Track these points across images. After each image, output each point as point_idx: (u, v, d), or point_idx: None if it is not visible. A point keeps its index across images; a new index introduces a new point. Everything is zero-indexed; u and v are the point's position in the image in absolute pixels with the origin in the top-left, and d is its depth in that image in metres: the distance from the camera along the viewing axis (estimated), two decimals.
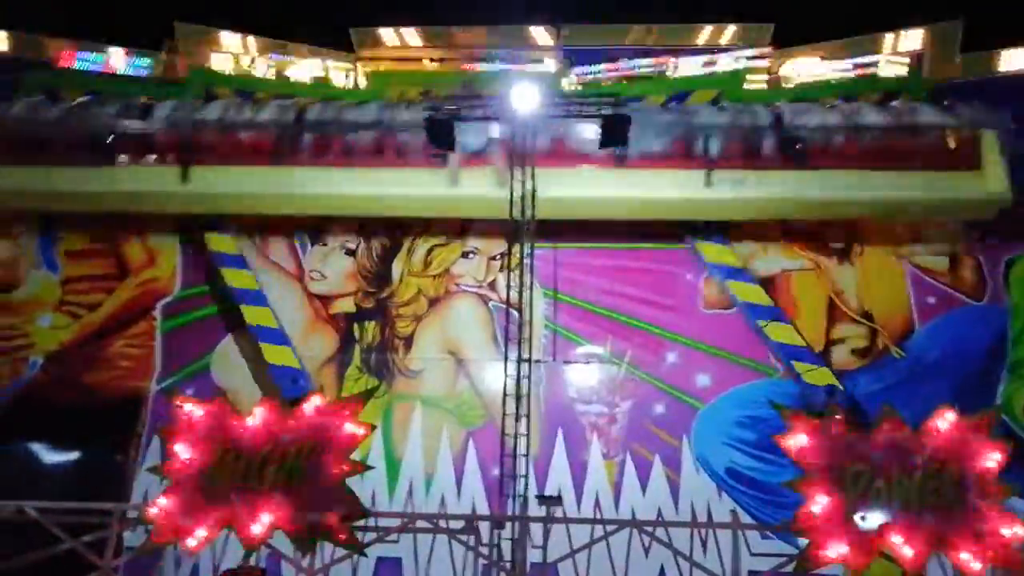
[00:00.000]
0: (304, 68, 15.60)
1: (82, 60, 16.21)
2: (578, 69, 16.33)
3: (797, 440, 7.21)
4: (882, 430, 7.16)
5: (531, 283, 10.97)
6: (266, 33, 16.38)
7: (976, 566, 6.66)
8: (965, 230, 14.13)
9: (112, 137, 13.39)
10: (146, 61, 16.31)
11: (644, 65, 16.43)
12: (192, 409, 7.57)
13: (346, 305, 14.21)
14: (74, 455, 13.33)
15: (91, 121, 13.67)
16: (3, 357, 13.86)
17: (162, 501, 7.23)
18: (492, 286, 13.93)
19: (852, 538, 6.80)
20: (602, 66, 16.61)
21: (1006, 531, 6.72)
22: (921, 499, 6.84)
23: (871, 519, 6.78)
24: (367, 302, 14.20)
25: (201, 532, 7.10)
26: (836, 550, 6.78)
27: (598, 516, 12.12)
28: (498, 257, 11.02)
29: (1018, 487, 6.89)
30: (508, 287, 9.83)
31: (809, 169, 12.66)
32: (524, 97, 9.37)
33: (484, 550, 8.34)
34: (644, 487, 12.77)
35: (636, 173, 12.52)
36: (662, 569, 11.99)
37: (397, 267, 14.67)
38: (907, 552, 6.70)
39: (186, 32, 16.60)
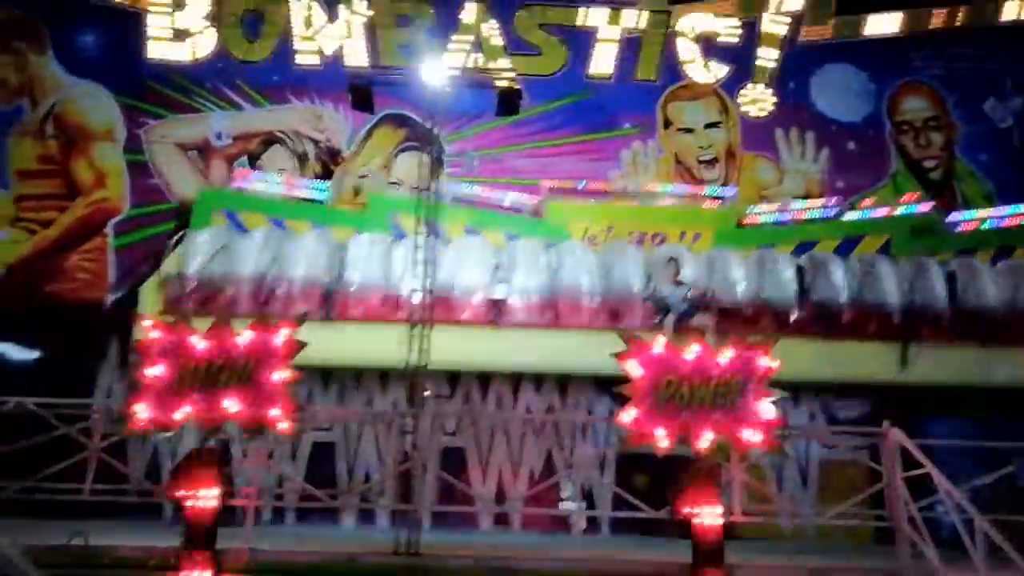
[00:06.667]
0: None
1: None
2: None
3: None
4: (691, 350, 9.62)
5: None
6: None
7: (757, 438, 9.33)
8: None
9: None
10: None
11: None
12: (157, 332, 9.47)
13: None
14: (40, 354, 15.10)
15: None
16: None
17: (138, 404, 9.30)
18: None
19: (663, 426, 9.36)
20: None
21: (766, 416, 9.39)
22: (712, 401, 9.41)
23: None
24: None
25: (176, 417, 9.23)
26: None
27: None
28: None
29: (780, 389, 9.52)
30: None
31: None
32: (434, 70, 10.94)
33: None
34: None
35: None
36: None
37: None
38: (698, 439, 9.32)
39: None
